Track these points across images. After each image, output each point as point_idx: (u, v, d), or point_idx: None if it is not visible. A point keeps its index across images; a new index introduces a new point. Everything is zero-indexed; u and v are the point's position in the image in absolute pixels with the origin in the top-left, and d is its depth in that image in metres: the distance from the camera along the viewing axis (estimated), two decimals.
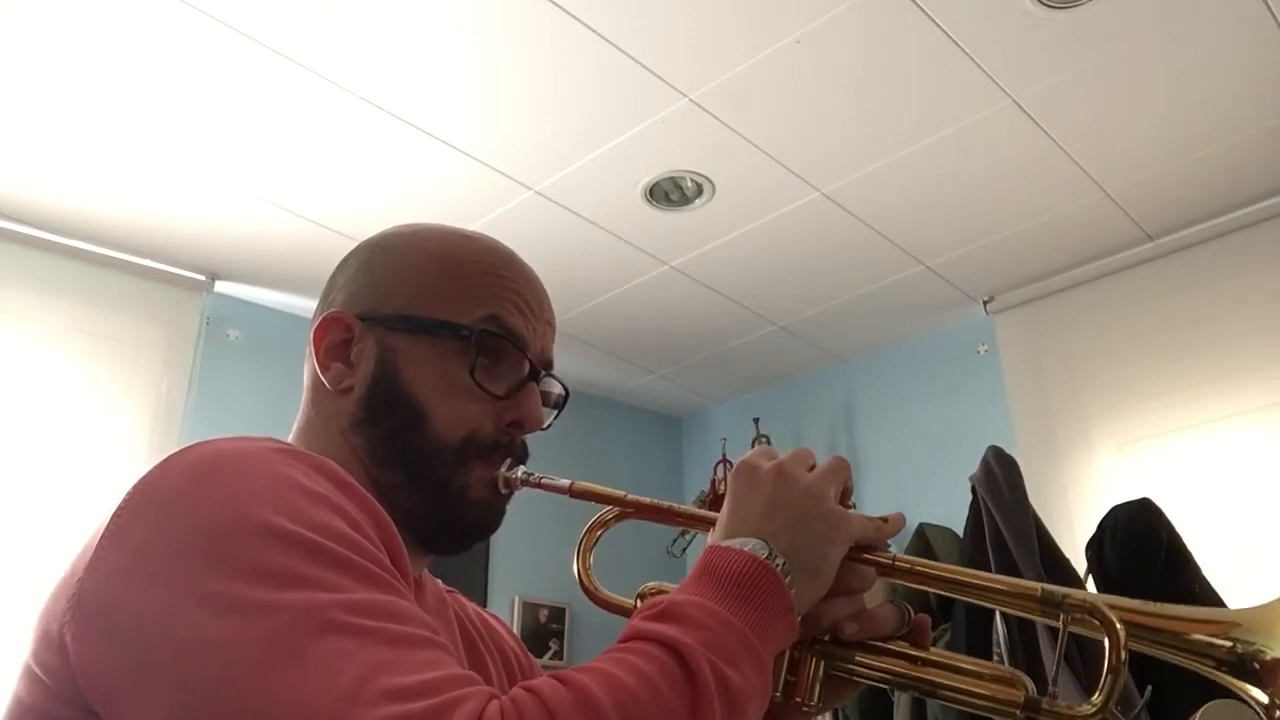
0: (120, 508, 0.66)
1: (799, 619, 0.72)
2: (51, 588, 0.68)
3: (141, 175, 2.79)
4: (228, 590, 0.59)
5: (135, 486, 0.66)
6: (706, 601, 0.67)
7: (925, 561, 0.79)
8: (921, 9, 2.26)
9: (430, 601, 0.88)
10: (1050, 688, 0.73)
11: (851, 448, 3.85)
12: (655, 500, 0.87)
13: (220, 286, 3.33)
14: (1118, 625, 0.70)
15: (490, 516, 0.86)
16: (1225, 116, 2.65)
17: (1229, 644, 0.70)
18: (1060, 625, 0.73)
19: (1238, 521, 2.73)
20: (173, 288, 3.22)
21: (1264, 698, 0.69)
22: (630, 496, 0.87)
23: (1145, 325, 3.17)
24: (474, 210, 2.94)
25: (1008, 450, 2.48)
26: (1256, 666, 0.69)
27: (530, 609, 3.71)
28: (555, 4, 2.24)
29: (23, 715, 0.66)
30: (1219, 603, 2.19)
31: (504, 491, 0.86)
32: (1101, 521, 2.35)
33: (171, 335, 3.18)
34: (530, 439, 0.89)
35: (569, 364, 3.72)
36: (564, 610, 3.76)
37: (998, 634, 2.16)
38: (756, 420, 4.05)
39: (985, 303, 3.54)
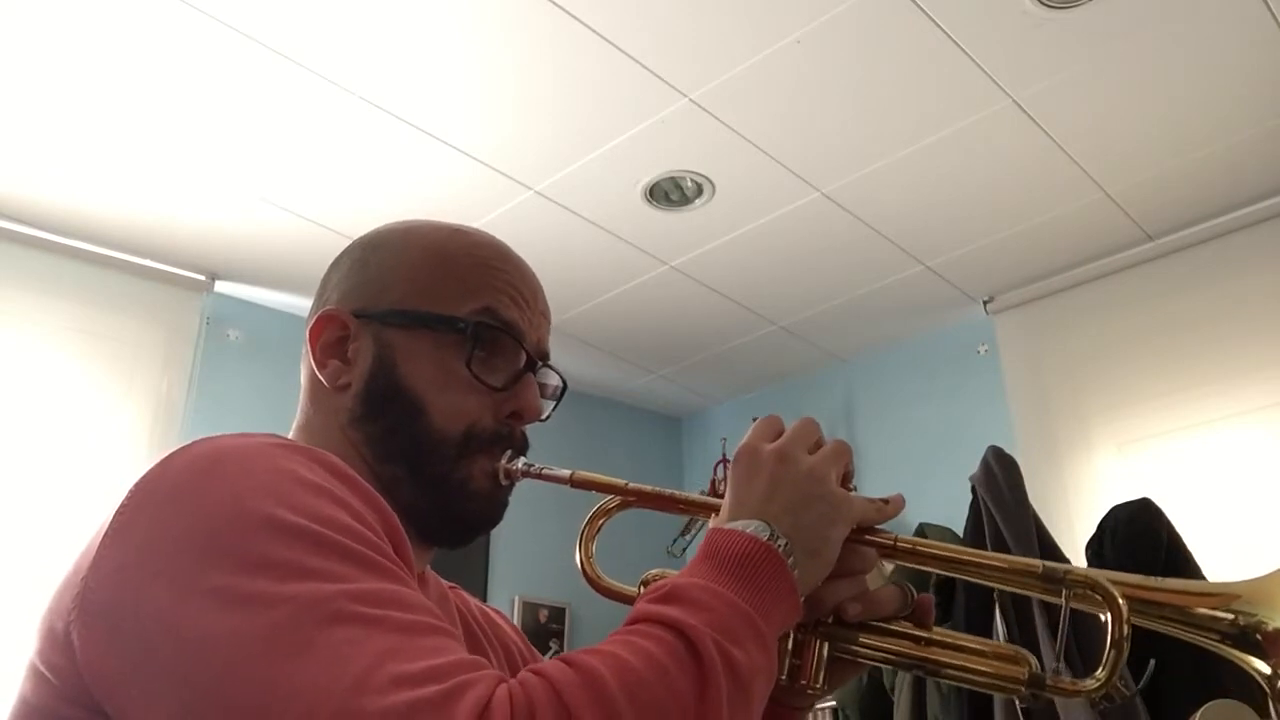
0: (122, 506, 0.66)
1: (802, 600, 0.72)
2: (55, 587, 0.68)
3: (141, 175, 2.79)
4: (232, 584, 0.60)
5: (137, 484, 0.66)
6: (710, 583, 0.67)
7: (927, 542, 0.79)
8: (921, 9, 2.26)
9: (433, 596, 0.88)
10: (1054, 663, 0.73)
11: (851, 447, 3.84)
12: (656, 488, 0.87)
13: (220, 286, 3.33)
14: (1120, 600, 0.70)
15: (492, 508, 0.87)
16: (1225, 116, 2.65)
17: (1230, 616, 0.70)
18: (1062, 601, 0.73)
19: (1238, 521, 2.73)
20: (173, 288, 3.22)
21: (1266, 669, 0.69)
22: (631, 485, 0.87)
23: (1145, 325, 3.17)
24: (474, 210, 2.94)
25: (1008, 450, 2.48)
26: (1259, 638, 0.69)
27: (530, 609, 3.71)
28: (555, 4, 2.24)
29: (28, 715, 0.66)
30: None
31: (505, 483, 0.86)
32: (1101, 521, 2.35)
33: (171, 335, 3.18)
34: (530, 438, 0.89)
35: (569, 364, 3.71)
36: (564, 610, 3.76)
37: (997, 631, 2.16)
38: (756, 420, 4.04)
39: (985, 303, 3.54)
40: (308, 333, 0.88)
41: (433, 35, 2.33)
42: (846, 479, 0.79)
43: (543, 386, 0.91)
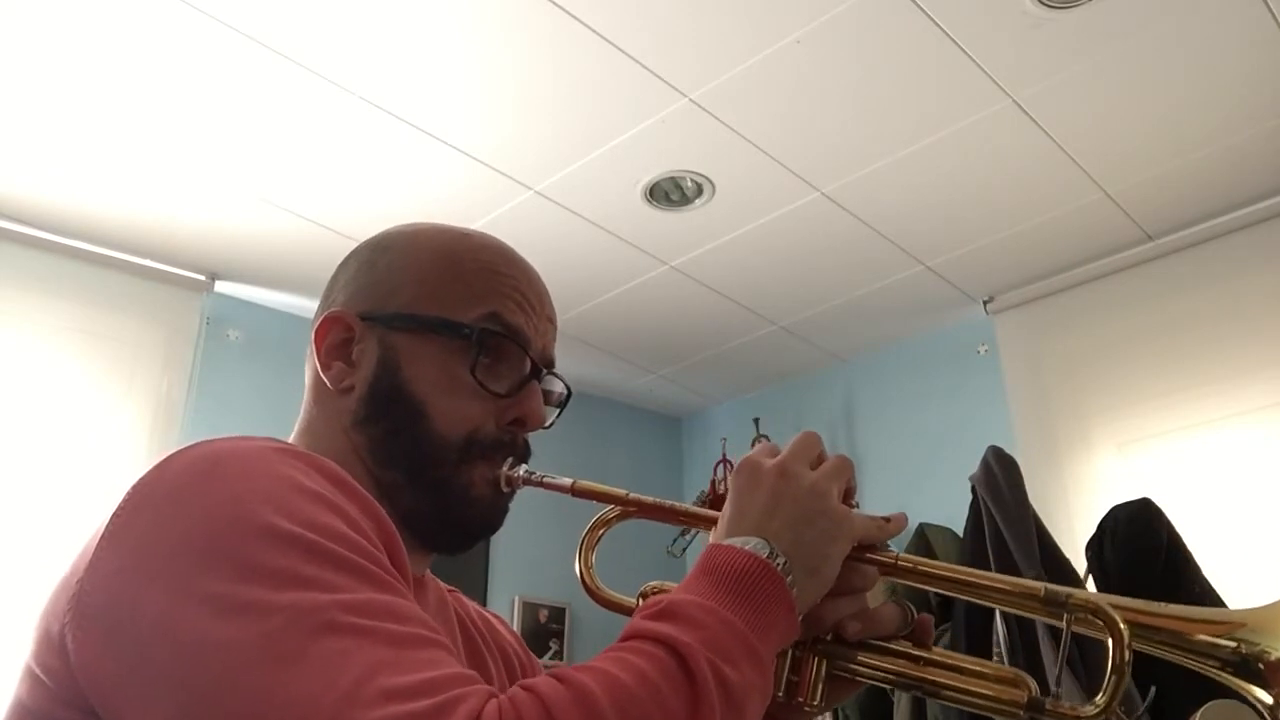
0: (120, 508, 0.66)
1: (800, 618, 0.72)
2: (52, 588, 0.67)
3: (141, 175, 2.79)
4: (227, 591, 0.59)
5: (134, 486, 0.66)
6: (706, 600, 0.67)
7: (928, 561, 0.78)
8: (921, 9, 2.26)
9: (431, 601, 0.88)
10: (1053, 688, 0.73)
11: (851, 448, 3.85)
12: (657, 499, 0.87)
13: (220, 286, 3.33)
14: (1121, 625, 0.70)
15: (492, 515, 0.86)
16: (1225, 116, 2.65)
17: (1233, 644, 0.70)
18: (1064, 625, 0.73)
19: (1238, 521, 2.73)
20: (173, 288, 3.22)
21: (1269, 698, 0.68)
22: (632, 495, 0.87)
23: (1145, 325, 3.17)
24: (474, 210, 2.94)
25: (1008, 450, 2.48)
26: (1261, 667, 0.69)
27: (530, 609, 3.71)
28: (555, 4, 2.24)
29: (23, 717, 0.66)
30: (1219, 602, 2.19)
31: (506, 490, 0.86)
32: (1101, 521, 2.34)
33: (171, 335, 3.18)
34: (530, 438, 0.89)
35: (569, 364, 3.71)
36: (564, 610, 3.76)
37: (998, 634, 2.16)
38: (756, 420, 4.05)
39: (985, 303, 3.54)
40: (313, 334, 0.88)
41: (433, 35, 2.33)
42: (848, 495, 0.79)
43: (547, 393, 0.91)
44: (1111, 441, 3.14)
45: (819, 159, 2.80)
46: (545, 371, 0.90)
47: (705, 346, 3.91)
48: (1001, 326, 3.52)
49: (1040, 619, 0.79)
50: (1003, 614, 2.15)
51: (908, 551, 2.82)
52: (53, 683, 0.64)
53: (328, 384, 0.86)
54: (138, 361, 3.10)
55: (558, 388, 0.94)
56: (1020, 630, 2.12)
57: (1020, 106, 2.58)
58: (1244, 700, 0.71)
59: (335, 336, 0.87)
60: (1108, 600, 0.72)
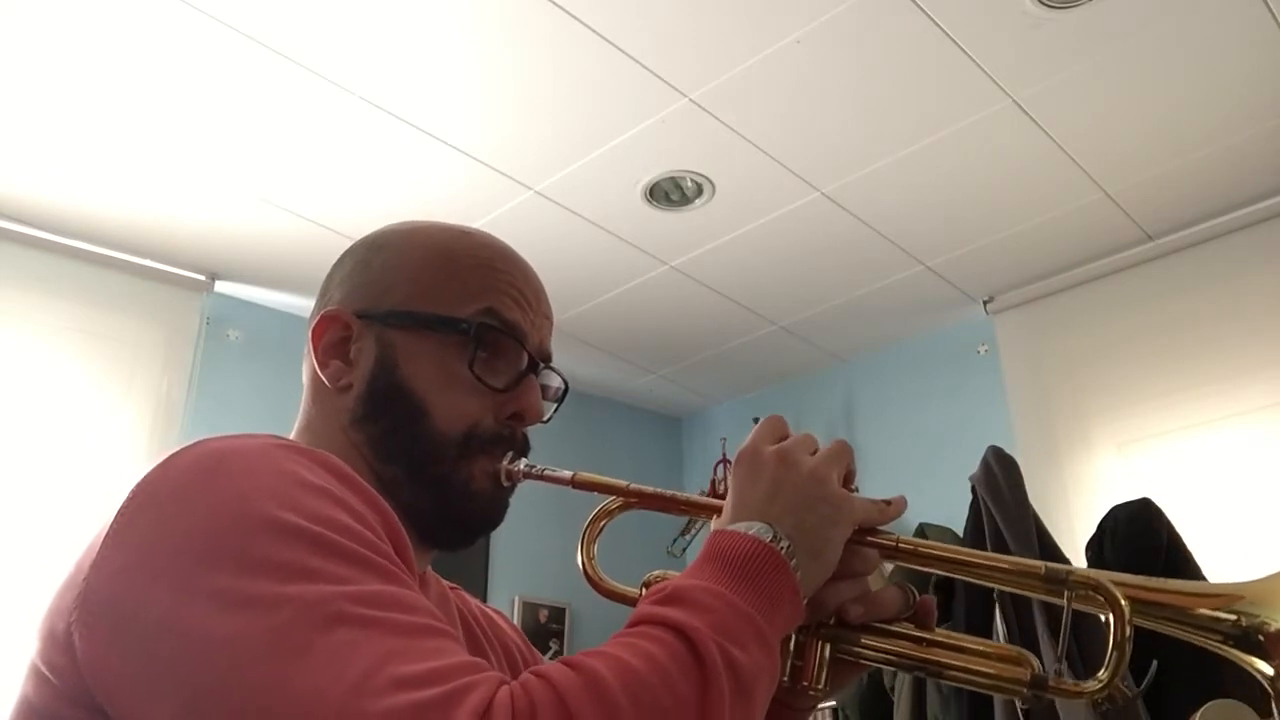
0: (124, 506, 0.66)
1: (805, 602, 0.72)
2: (56, 587, 0.68)
3: (141, 175, 2.79)
4: (233, 585, 0.60)
5: (139, 484, 0.66)
6: (712, 585, 0.67)
7: (929, 543, 0.79)
8: (921, 9, 2.26)
9: (434, 598, 0.88)
10: (1055, 664, 0.73)
11: (851, 447, 3.84)
12: (658, 489, 0.87)
13: (220, 286, 3.33)
14: (1122, 601, 0.70)
15: (493, 509, 0.87)
16: (1225, 116, 2.65)
17: (1233, 617, 0.70)
18: (1064, 602, 0.73)
19: (1238, 521, 2.73)
20: (173, 288, 3.22)
21: (1269, 669, 0.69)
22: (633, 486, 0.87)
23: (1145, 325, 3.17)
24: (474, 210, 2.94)
25: (1008, 450, 2.48)
26: (1261, 639, 0.69)
27: (530, 609, 3.71)
28: (555, 4, 2.24)
29: (29, 715, 0.66)
30: None
31: (506, 484, 0.86)
32: (1101, 521, 2.35)
33: (171, 335, 3.18)
34: (530, 439, 0.89)
35: (569, 364, 3.72)
36: (564, 610, 3.76)
37: (997, 632, 2.16)
38: (756, 420, 4.01)
39: (985, 303, 3.54)
40: (310, 333, 0.88)
41: (433, 35, 2.33)
42: (848, 480, 0.79)
43: (544, 388, 0.91)
44: (1111, 441, 3.14)
45: (819, 159, 2.80)
46: (542, 366, 0.90)
47: (705, 346, 3.91)
48: (1001, 326, 3.52)
49: (1041, 598, 0.79)
50: (1002, 610, 2.15)
51: None
52: (59, 680, 0.64)
53: (325, 382, 0.86)
54: (138, 361, 3.10)
55: (555, 382, 0.94)
56: (1020, 627, 2.12)
57: (1020, 106, 2.59)
58: (1245, 702, 0.71)
59: (332, 335, 0.87)
60: (1109, 577, 0.72)
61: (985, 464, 2.44)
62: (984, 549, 2.31)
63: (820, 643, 0.79)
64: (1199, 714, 1.53)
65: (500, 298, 0.87)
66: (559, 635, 3.74)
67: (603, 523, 0.90)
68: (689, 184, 2.91)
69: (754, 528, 0.72)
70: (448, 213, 2.90)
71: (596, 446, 4.03)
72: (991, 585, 0.81)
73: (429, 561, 0.90)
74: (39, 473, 2.79)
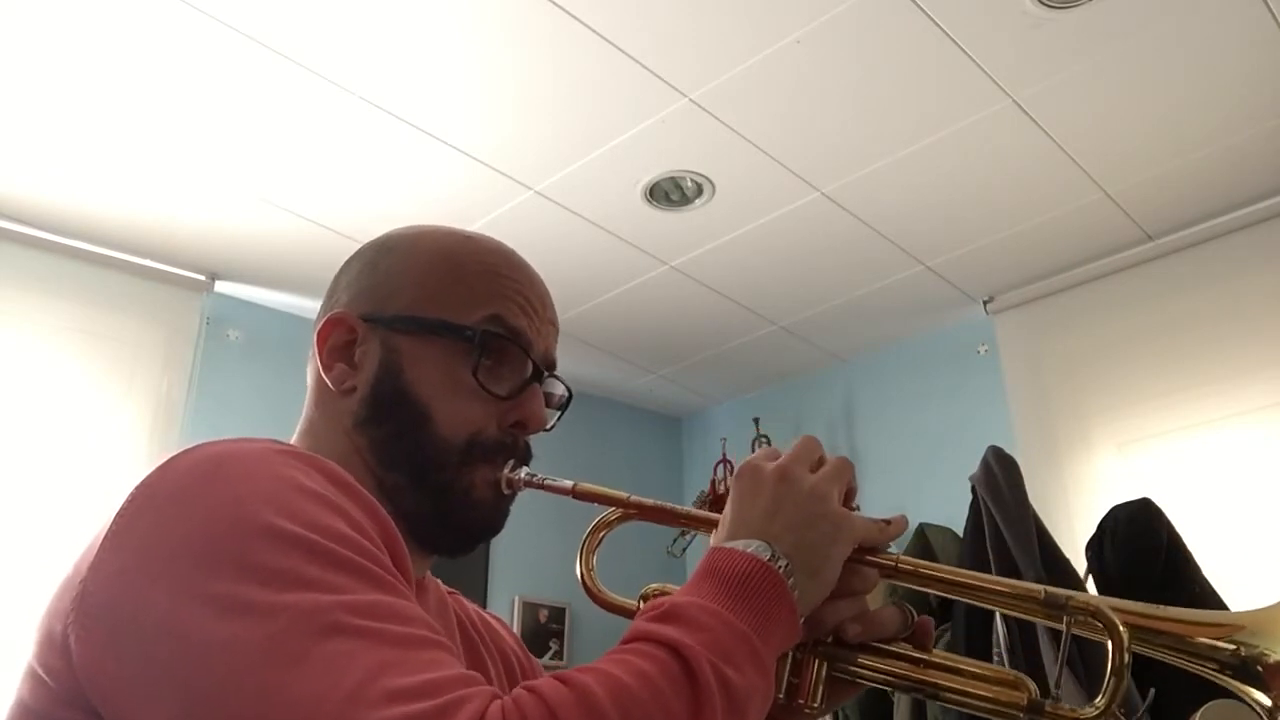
0: (122, 509, 0.66)
1: (802, 620, 0.72)
2: (54, 589, 0.68)
3: (141, 175, 2.79)
4: (230, 591, 0.60)
5: (137, 488, 0.66)
6: (708, 603, 0.67)
7: (928, 564, 0.78)
8: (921, 9, 2.26)
9: (432, 603, 0.88)
10: (1053, 690, 0.73)
11: (851, 448, 3.85)
12: (658, 501, 0.87)
13: (220, 286, 3.33)
14: (1121, 628, 0.70)
15: (494, 517, 0.87)
16: (1225, 116, 2.65)
17: (1232, 647, 0.70)
18: (1063, 628, 0.73)
19: (1238, 521, 2.73)
20: (173, 288, 3.22)
21: (1267, 701, 0.68)
22: (633, 498, 0.87)
23: (1145, 325, 3.17)
24: (474, 210, 2.94)
25: (1008, 450, 2.48)
26: (1260, 669, 0.69)
27: (530, 609, 3.71)
28: (555, 4, 2.24)
29: (25, 717, 0.66)
30: (1219, 603, 2.19)
31: (507, 492, 0.86)
32: (1101, 521, 2.35)
33: (171, 335, 3.18)
34: (530, 439, 0.89)
35: (569, 364, 3.72)
36: (564, 610, 3.76)
37: (998, 634, 2.16)
38: (756, 420, 4.05)
39: (985, 303, 3.54)
40: (315, 335, 0.88)
41: (433, 35, 2.33)
42: (849, 497, 0.79)
43: (548, 396, 0.91)
44: (1111, 441, 3.14)
45: (819, 159, 2.80)
46: (547, 374, 0.90)
47: (705, 346, 3.91)
48: (1001, 326, 3.52)
49: (1040, 622, 0.79)
50: (1003, 614, 2.15)
51: (908, 551, 2.84)
52: (55, 683, 0.64)
53: (330, 385, 0.86)
54: (138, 361, 3.10)
55: (559, 390, 0.94)
56: (1020, 631, 2.12)
57: (1020, 106, 2.58)
58: (1242, 704, 0.71)
59: (337, 338, 0.87)
60: (1108, 603, 0.72)
61: (985, 464, 2.44)
62: (984, 549, 2.31)
63: (817, 661, 0.79)
64: (1199, 714, 1.53)
65: (506, 304, 0.87)
66: (559, 635, 3.74)
67: (602, 534, 0.90)
68: (689, 184, 2.91)
69: (752, 545, 0.71)
70: (448, 213, 2.90)
71: (596, 447, 4.04)
72: (991, 608, 0.81)
73: (429, 567, 0.90)
74: (39, 473, 2.79)
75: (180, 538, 0.63)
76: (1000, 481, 2.37)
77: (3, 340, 2.87)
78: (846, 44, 2.37)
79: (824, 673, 0.79)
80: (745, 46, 2.38)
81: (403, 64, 2.42)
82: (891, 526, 0.79)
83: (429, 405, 0.83)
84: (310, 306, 3.42)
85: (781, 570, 0.70)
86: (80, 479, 2.82)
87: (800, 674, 0.79)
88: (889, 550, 0.80)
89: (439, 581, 0.94)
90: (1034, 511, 2.36)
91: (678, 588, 0.73)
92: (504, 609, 3.66)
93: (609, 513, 0.89)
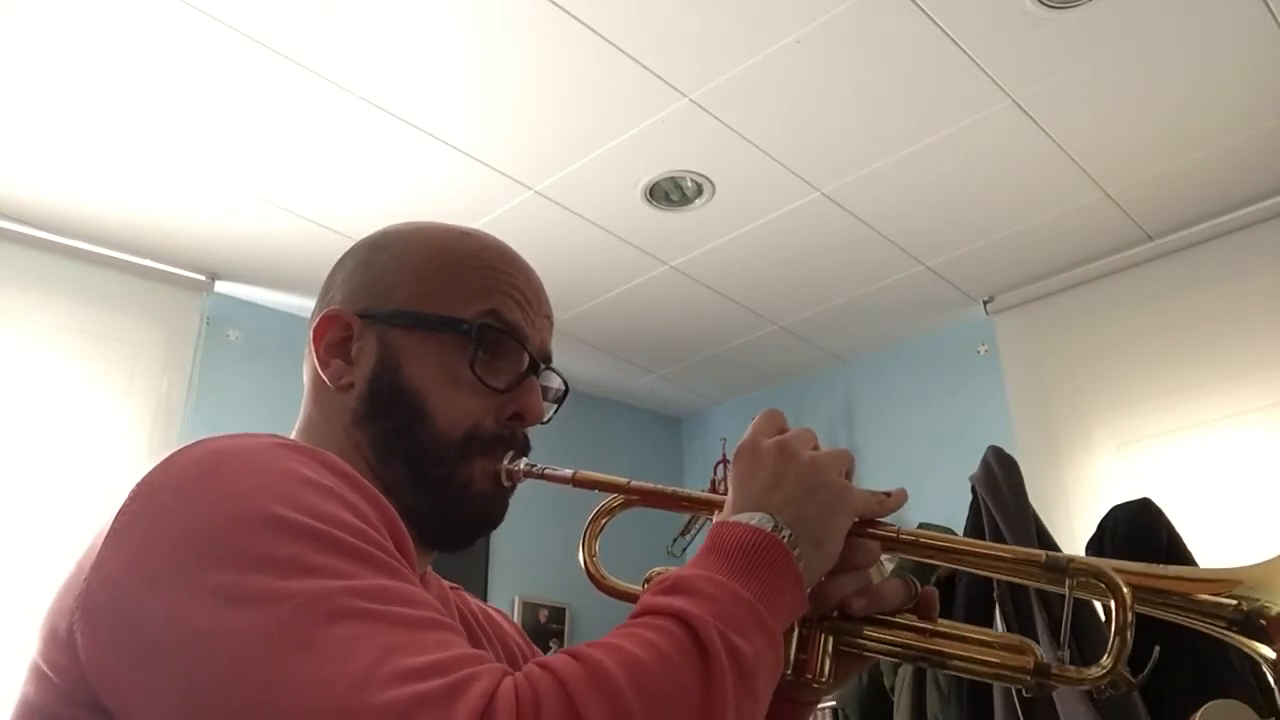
0: (124, 505, 0.66)
1: (807, 591, 0.72)
2: (57, 587, 0.68)
3: (141, 175, 2.79)
4: (235, 581, 0.60)
5: (139, 484, 0.67)
6: (715, 574, 0.67)
7: (929, 534, 0.79)
8: (921, 9, 2.26)
9: (434, 597, 0.88)
10: (1058, 651, 0.73)
11: (851, 448, 3.84)
12: (659, 486, 0.87)
13: (220, 286, 3.33)
14: (1124, 587, 0.71)
15: (493, 510, 0.87)
16: (1225, 116, 2.65)
17: (1234, 602, 0.70)
18: (1066, 591, 0.73)
19: (1238, 522, 2.73)
20: (173, 288, 3.22)
21: (1271, 653, 0.69)
22: (634, 483, 0.88)
23: (1145, 325, 3.17)
24: (474, 210, 2.94)
25: (1008, 450, 2.48)
26: (1263, 622, 0.69)
27: (530, 609, 3.71)
28: (555, 4, 2.24)
29: (31, 715, 0.66)
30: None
31: (507, 484, 0.86)
32: (1101, 521, 2.34)
33: (171, 335, 3.18)
34: (530, 439, 0.90)
35: (570, 364, 3.72)
36: (564, 610, 3.76)
37: (998, 624, 2.16)
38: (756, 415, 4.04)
39: (985, 303, 3.54)
40: (311, 332, 0.88)
41: (433, 35, 2.33)
42: (847, 477, 0.79)
43: (545, 389, 0.91)
44: (1111, 441, 3.14)
45: (819, 159, 2.80)
46: (543, 367, 0.90)
47: (705, 346, 3.91)
48: (1001, 326, 3.52)
49: (1042, 587, 0.80)
50: (1001, 609, 2.15)
51: None
52: (60, 680, 0.64)
53: (327, 382, 0.86)
54: (138, 361, 3.10)
55: (555, 383, 0.94)
56: (1019, 622, 2.12)
57: (1020, 106, 2.59)
58: (1241, 699, 0.71)
59: (334, 334, 0.87)
60: (1109, 564, 0.73)
61: (985, 464, 2.44)
62: None
63: (823, 635, 0.79)
64: (1199, 714, 1.53)
65: (502, 299, 0.87)
66: (559, 635, 3.74)
67: (604, 520, 0.90)
68: (689, 184, 2.91)
69: (755, 518, 0.72)
70: (448, 213, 2.90)
71: (596, 446, 4.04)
72: (993, 575, 0.81)
73: (429, 562, 0.90)
74: (39, 473, 2.79)
75: (182, 532, 0.63)
76: (1000, 481, 2.37)
77: (3, 340, 2.87)
78: (846, 44, 2.37)
79: (830, 646, 0.79)
80: (745, 46, 2.38)
81: (403, 64, 2.42)
82: (891, 499, 0.80)
83: (426, 400, 0.83)
84: (310, 306, 3.41)
85: (786, 540, 0.71)
86: (80, 479, 2.82)
87: (807, 649, 0.79)
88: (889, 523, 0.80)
89: (440, 577, 0.95)
90: (1034, 511, 2.36)
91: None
92: (504, 609, 3.61)
93: (610, 499, 0.89)
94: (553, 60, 2.42)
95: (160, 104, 2.51)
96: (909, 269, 3.34)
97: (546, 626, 3.73)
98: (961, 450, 2.88)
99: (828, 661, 0.79)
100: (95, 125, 2.58)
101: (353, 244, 0.94)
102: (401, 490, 0.82)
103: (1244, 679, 1.83)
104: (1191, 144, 2.76)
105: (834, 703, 2.75)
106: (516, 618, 3.66)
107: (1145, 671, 0.72)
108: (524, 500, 0.90)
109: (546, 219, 3.01)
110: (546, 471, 0.86)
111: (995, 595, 2.18)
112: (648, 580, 0.88)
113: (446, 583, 0.96)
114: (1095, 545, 2.32)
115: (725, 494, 0.79)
